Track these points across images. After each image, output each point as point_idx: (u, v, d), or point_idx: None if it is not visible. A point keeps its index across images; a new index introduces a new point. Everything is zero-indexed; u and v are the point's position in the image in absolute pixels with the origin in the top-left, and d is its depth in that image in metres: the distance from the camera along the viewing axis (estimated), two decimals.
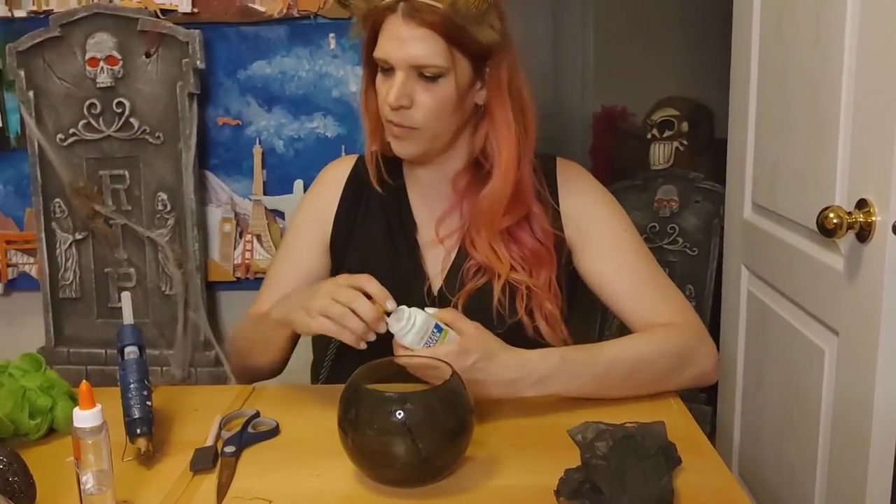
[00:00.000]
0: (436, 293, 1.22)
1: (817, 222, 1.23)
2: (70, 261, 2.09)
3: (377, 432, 0.88)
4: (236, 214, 2.14)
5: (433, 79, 1.11)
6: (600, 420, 0.95)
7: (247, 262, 2.14)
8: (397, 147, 1.18)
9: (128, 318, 1.09)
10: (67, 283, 2.10)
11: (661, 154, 2.79)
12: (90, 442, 0.81)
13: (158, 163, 2.05)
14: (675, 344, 1.14)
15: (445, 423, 0.88)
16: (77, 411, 0.81)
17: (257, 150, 2.11)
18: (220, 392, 1.22)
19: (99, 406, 0.82)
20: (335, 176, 1.32)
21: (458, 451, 0.91)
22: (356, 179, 1.30)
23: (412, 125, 1.13)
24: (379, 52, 1.12)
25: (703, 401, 2.47)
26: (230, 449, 0.99)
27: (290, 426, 1.07)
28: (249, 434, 1.04)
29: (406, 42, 1.08)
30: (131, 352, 1.05)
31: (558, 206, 1.24)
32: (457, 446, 0.90)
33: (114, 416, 0.95)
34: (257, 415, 1.09)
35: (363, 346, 1.01)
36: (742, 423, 1.84)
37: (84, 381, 0.82)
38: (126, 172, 2.06)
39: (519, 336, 1.15)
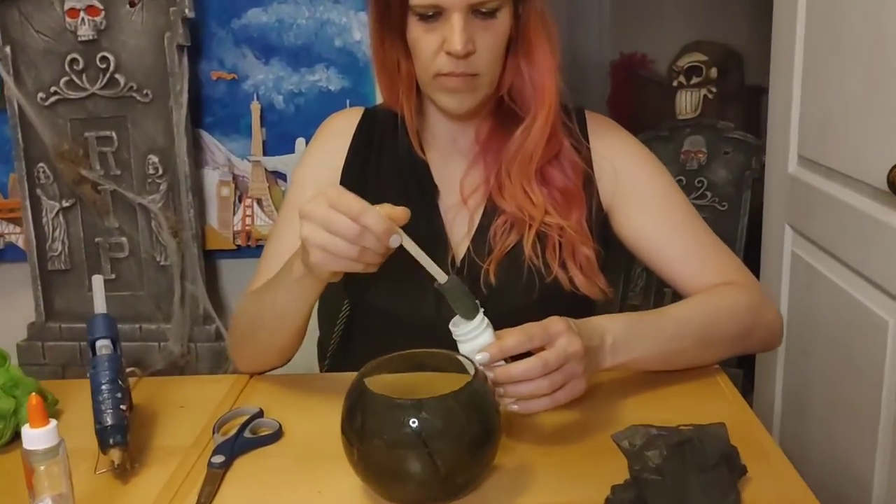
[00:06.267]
0: (459, 262, 1.08)
1: (888, 180, 1.09)
2: (58, 230, 1.98)
3: (387, 444, 0.74)
4: (234, 177, 2.03)
5: (490, 14, 0.99)
6: (649, 423, 0.81)
7: (247, 228, 2.04)
8: (454, 102, 1.04)
9: (99, 305, 0.96)
10: (56, 253, 1.99)
11: (688, 102, 2.66)
12: (43, 468, 0.68)
13: (148, 122, 1.92)
14: (744, 303, 1.03)
15: (467, 432, 0.74)
16: (26, 430, 0.68)
17: (255, 107, 2.00)
18: (212, 384, 1.09)
19: (53, 423, 0.69)
20: (340, 127, 1.18)
21: (483, 465, 0.77)
22: (364, 135, 1.16)
23: (476, 71, 1.01)
24: None
25: (734, 363, 2.35)
26: (218, 459, 0.86)
27: (295, 427, 0.94)
28: (245, 439, 0.91)
29: None
30: (104, 346, 0.92)
31: (591, 162, 1.12)
32: (481, 459, 0.76)
33: None
34: (260, 414, 0.95)
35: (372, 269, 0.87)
36: (784, 393, 1.73)
37: (33, 394, 0.68)
38: (113, 134, 1.93)
39: (555, 294, 1.04)
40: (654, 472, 0.75)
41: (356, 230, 0.81)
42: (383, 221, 0.81)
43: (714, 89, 2.67)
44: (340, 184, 1.14)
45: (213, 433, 0.92)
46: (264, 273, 1.09)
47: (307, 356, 1.36)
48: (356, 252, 0.82)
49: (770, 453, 0.86)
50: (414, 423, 0.73)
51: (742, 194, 2.54)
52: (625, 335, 0.93)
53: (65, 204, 1.97)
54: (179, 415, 1.00)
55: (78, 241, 1.99)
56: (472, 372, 0.78)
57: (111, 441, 0.84)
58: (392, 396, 0.75)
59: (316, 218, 0.83)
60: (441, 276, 0.83)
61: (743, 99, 2.80)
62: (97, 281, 0.97)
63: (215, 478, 0.84)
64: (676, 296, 2.23)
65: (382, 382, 0.81)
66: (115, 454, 0.84)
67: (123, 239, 1.98)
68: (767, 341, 1.08)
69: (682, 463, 0.76)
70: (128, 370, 1.08)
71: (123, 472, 0.86)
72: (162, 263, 1.96)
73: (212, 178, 2.02)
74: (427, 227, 1.10)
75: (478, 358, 0.81)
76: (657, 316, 0.99)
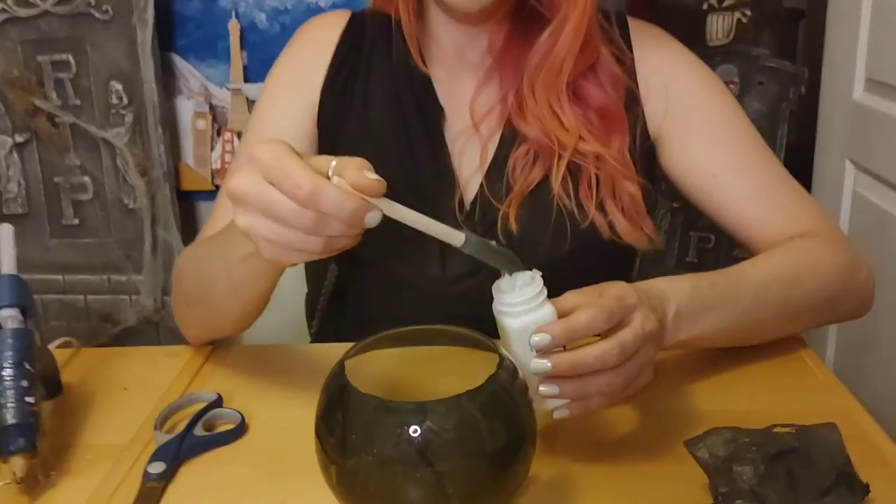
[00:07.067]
0: (469, 205, 0.88)
1: None
2: (11, 169, 1.81)
3: (377, 462, 0.53)
4: (212, 107, 1.88)
5: None
6: (733, 425, 0.60)
7: (227, 165, 1.87)
8: None
9: (8, 264, 0.75)
10: (11, 196, 1.83)
11: (719, 28, 2.43)
12: None
13: (109, 45, 1.74)
14: (832, 261, 0.83)
15: (488, 446, 0.53)
16: None
17: (234, 27, 1.83)
18: (165, 359, 0.88)
19: None
20: (320, 35, 0.96)
21: (508, 490, 0.56)
22: (350, 44, 0.94)
23: None
24: None
25: None
26: (157, 468, 0.65)
27: (262, 420, 0.74)
28: (196, 438, 0.70)
29: None
30: (10, 317, 0.71)
31: (636, 76, 0.91)
32: (506, 483, 0.55)
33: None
34: (219, 402, 0.75)
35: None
36: (837, 360, 1.56)
37: None
38: (70, 57, 1.75)
39: (592, 244, 0.85)
40: (750, 498, 0.55)
41: (310, 219, 0.55)
42: (348, 200, 0.54)
43: (748, 12, 2.43)
44: (319, 106, 0.92)
45: (156, 429, 0.71)
46: (220, 219, 0.87)
47: (296, 313, 1.19)
48: (320, 245, 0.58)
49: (889, 457, 0.65)
50: (415, 432, 0.52)
51: (778, 129, 2.33)
52: (689, 305, 0.71)
53: (18, 139, 1.80)
54: (120, 400, 0.80)
55: (36, 182, 1.83)
56: (497, 355, 0.57)
57: (11, 447, 0.64)
58: (384, 398, 0.54)
59: (251, 202, 0.57)
60: (457, 238, 0.59)
61: (779, 23, 2.56)
62: (6, 230, 0.75)
63: (152, 494, 0.64)
64: (703, 240, 1.95)
65: (372, 369, 0.60)
66: (18, 464, 0.64)
67: (86, 179, 1.81)
68: (857, 309, 0.88)
69: (788, 484, 0.55)
70: (62, 340, 0.89)
71: (33, 485, 0.66)
72: (130, 207, 1.80)
73: (186, 108, 1.88)
74: (429, 159, 0.89)
75: (535, 339, 0.58)
76: (729, 278, 0.76)
